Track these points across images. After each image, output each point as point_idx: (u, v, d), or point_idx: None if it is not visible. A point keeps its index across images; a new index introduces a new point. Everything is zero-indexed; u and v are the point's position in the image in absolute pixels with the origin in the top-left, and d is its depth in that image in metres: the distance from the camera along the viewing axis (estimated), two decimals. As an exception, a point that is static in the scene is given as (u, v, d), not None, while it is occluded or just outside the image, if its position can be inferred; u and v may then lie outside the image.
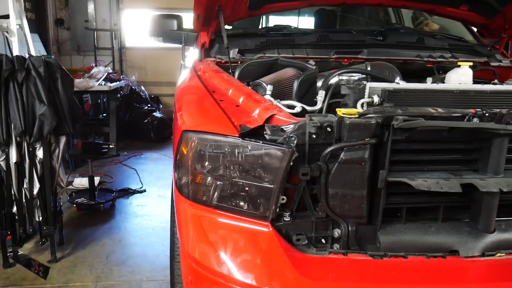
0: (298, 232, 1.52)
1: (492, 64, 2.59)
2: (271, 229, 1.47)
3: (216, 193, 1.55)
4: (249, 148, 1.45)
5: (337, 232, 1.55)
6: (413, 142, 1.47)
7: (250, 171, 1.47)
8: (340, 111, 1.44)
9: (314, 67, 1.96)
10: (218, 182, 1.53)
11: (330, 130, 1.43)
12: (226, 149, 1.49)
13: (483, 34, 2.93)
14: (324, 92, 1.86)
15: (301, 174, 1.43)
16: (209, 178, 1.56)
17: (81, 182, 4.87)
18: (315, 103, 1.84)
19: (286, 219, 1.49)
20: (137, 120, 7.33)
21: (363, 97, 1.60)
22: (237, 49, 2.42)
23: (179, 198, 1.71)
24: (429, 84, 1.93)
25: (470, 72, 2.35)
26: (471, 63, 2.33)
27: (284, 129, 1.45)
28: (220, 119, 1.57)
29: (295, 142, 1.43)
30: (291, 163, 1.41)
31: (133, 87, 7.73)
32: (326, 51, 2.41)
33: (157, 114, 7.49)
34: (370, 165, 1.44)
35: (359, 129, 1.40)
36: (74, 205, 4.25)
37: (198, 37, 2.83)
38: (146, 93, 8.11)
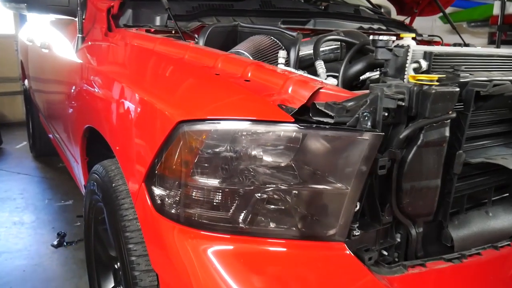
0: (364, 247, 1.11)
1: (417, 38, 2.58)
2: (348, 251, 1.02)
3: (249, 211, 1.02)
4: (321, 138, 0.97)
5: (398, 238, 1.20)
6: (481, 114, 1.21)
7: (312, 172, 0.99)
8: (415, 78, 1.08)
9: (296, 35, 1.54)
10: (258, 195, 1.01)
11: (402, 104, 1.06)
12: (274, 144, 0.98)
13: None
14: (322, 63, 1.46)
15: (378, 167, 1.03)
16: (240, 189, 1.02)
17: None
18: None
19: (356, 233, 1.07)
20: None
21: (405, 62, 1.27)
22: (165, 15, 1.81)
23: (160, 224, 1.11)
24: (471, 48, 1.70)
25: (414, 43, 2.26)
26: (413, 35, 2.24)
27: (348, 106, 1.01)
28: (246, 99, 1.04)
29: (369, 123, 1.01)
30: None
31: None
32: (272, 19, 2.00)
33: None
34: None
35: (444, 100, 1.06)
36: None
37: (88, 1, 2.07)
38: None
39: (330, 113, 0.99)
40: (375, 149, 0.98)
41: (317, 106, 1.01)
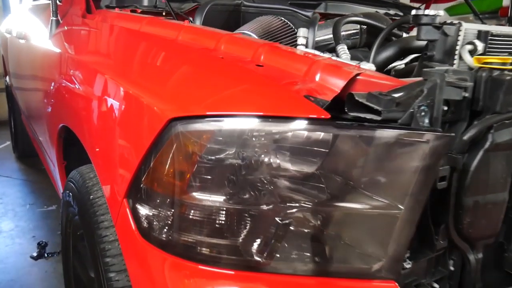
0: (414, 282, 0.86)
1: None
2: (401, 292, 0.77)
3: (266, 238, 0.76)
4: (365, 140, 0.71)
5: (452, 266, 0.95)
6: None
7: (349, 185, 0.74)
8: (481, 60, 0.83)
9: (312, 15, 1.27)
10: (278, 218, 0.75)
11: (465, 95, 0.81)
12: (300, 147, 0.72)
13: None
14: (345, 47, 1.20)
15: (438, 179, 0.77)
16: (252, 209, 0.76)
17: None
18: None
19: (407, 266, 0.81)
20: None
21: (456, 43, 1.02)
22: (154, -5, 1.54)
23: (146, 253, 0.86)
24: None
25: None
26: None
27: (398, 98, 0.76)
28: (261, 89, 0.78)
29: (426, 120, 0.76)
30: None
31: None
32: (278, 2, 1.74)
33: None
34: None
35: (519, 89, 0.81)
36: None
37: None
38: None
39: (376, 107, 0.73)
40: (440, 155, 0.73)
41: (356, 98, 0.75)
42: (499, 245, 0.99)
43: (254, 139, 0.73)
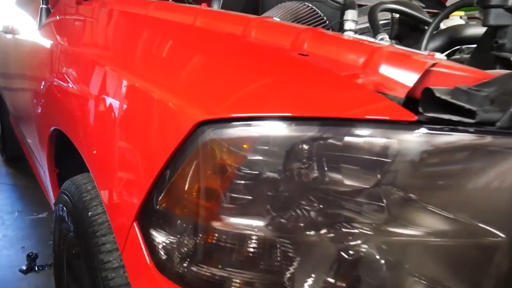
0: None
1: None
2: None
3: (321, 273, 0.59)
4: (485, 150, 0.55)
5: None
6: None
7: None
8: None
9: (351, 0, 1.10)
10: (338, 244, 0.58)
11: None
12: (394, 160, 0.55)
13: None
14: (386, 36, 1.03)
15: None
16: (301, 234, 0.59)
17: None
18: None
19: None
20: None
21: None
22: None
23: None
24: None
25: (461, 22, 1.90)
26: (462, 14, 1.86)
27: (492, 94, 0.59)
28: (326, 84, 0.61)
29: (530, 122, 0.59)
30: None
31: None
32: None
33: None
34: None
35: None
36: None
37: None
38: None
39: (468, 106, 0.56)
40: None
41: (438, 95, 0.58)
42: None
43: (313, 148, 0.56)
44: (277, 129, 0.58)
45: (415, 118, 0.55)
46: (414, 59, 0.64)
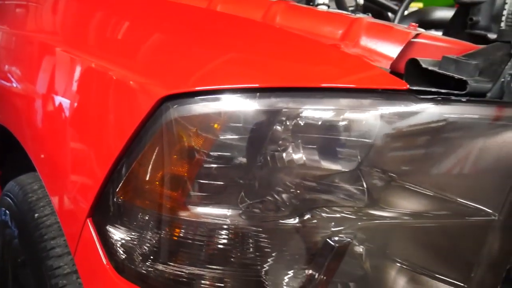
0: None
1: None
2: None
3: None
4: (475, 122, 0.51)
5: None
6: None
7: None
8: None
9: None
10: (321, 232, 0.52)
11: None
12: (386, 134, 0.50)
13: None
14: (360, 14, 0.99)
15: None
16: (279, 223, 0.53)
17: None
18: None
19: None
20: None
21: (504, 6, 0.84)
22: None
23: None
24: None
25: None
26: (420, 6, 1.89)
27: (481, 65, 0.56)
28: (304, 52, 0.55)
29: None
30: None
31: None
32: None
33: None
34: None
35: None
36: None
37: None
38: None
39: (457, 76, 0.52)
40: None
41: (424, 66, 0.54)
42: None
43: (298, 122, 0.50)
44: (249, 103, 0.51)
45: (407, 86, 0.50)
46: (396, 29, 0.60)
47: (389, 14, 1.32)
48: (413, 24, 0.67)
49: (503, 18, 0.82)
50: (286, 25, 0.65)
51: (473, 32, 0.80)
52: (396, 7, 1.24)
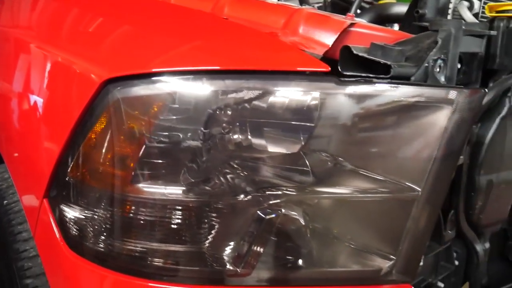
0: (422, 282, 0.70)
1: None
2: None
3: (243, 241, 0.57)
4: (394, 102, 0.55)
5: (456, 260, 0.81)
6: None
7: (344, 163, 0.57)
8: (494, 9, 0.69)
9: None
10: (258, 212, 0.56)
11: (478, 51, 0.66)
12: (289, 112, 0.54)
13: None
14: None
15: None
16: (219, 202, 0.57)
17: None
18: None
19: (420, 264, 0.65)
20: None
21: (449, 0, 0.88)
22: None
23: (77, 270, 0.64)
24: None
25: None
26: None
27: (407, 51, 0.59)
28: (239, 38, 0.59)
29: (442, 77, 0.60)
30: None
31: None
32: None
33: None
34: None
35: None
36: None
37: None
38: None
39: (383, 61, 0.56)
40: (472, 119, 0.57)
41: (355, 52, 0.58)
42: (502, 232, 0.87)
43: (228, 103, 0.53)
44: (190, 85, 0.55)
45: (329, 68, 0.54)
46: (332, 19, 0.64)
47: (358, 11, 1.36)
48: (350, 14, 0.71)
49: (449, 11, 0.86)
50: (233, 15, 0.69)
51: (421, 24, 0.84)
52: (364, 4, 1.28)
